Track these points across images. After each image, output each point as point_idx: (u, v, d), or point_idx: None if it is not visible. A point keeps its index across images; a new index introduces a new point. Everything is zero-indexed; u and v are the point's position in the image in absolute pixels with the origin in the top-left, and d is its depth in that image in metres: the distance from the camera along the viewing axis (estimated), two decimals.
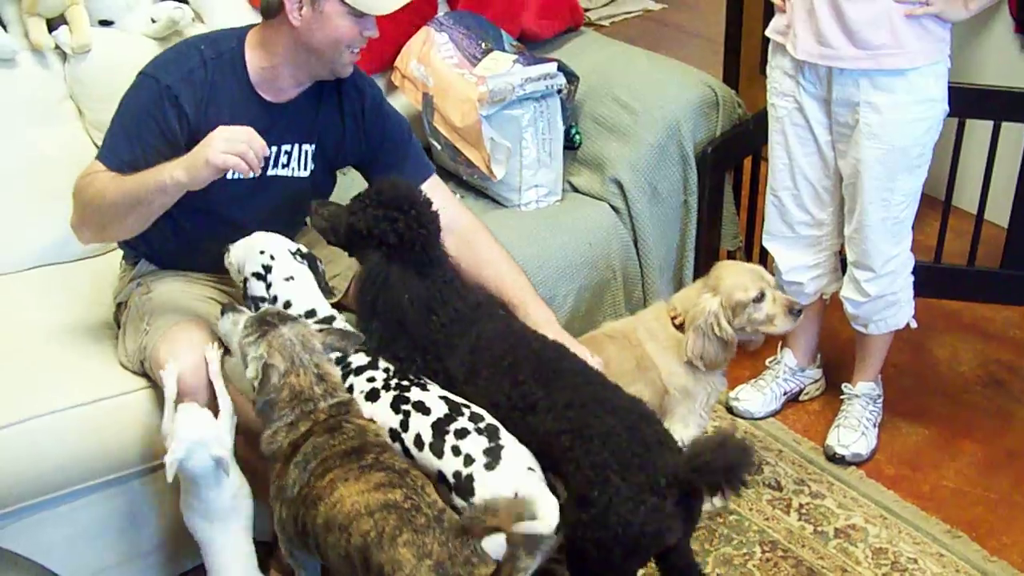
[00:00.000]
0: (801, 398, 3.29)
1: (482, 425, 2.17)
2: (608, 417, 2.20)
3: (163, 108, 2.40)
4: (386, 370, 2.31)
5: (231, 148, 2.24)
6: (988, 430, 3.19)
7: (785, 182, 2.96)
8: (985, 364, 3.46)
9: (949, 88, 2.82)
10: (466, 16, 3.34)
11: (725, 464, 2.07)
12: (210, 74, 2.42)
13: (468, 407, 2.21)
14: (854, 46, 2.66)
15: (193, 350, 2.41)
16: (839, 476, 3.00)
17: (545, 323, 2.54)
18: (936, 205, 3.50)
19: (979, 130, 3.32)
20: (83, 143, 3.02)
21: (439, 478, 2.14)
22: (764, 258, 3.32)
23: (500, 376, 2.32)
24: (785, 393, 3.24)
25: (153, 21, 3.02)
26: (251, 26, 2.53)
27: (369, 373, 2.31)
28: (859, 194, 2.81)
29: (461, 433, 2.15)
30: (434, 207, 2.45)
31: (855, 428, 3.08)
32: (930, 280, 3.35)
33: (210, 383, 2.41)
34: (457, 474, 2.11)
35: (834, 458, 3.06)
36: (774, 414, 3.24)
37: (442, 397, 2.24)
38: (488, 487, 2.09)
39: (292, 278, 2.41)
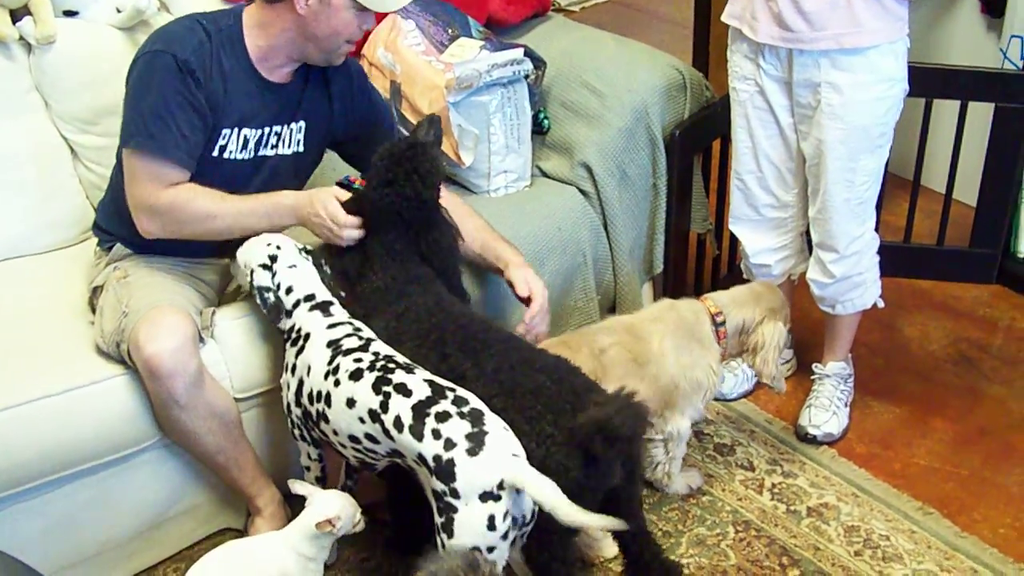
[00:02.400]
0: None
1: (465, 409, 2.16)
2: (536, 375, 2.27)
3: (187, 83, 2.44)
4: (375, 353, 2.32)
5: (335, 217, 2.49)
6: (958, 408, 3.21)
7: (749, 165, 2.97)
8: (955, 342, 3.49)
9: (916, 69, 2.83)
10: (432, 3, 3.33)
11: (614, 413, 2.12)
12: (215, 47, 2.47)
13: (453, 390, 2.20)
14: (813, 29, 2.66)
15: (173, 333, 2.41)
16: (811, 456, 3.02)
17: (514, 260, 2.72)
18: (905, 185, 3.52)
19: (946, 110, 3.34)
20: (49, 134, 3.01)
21: (419, 460, 2.14)
22: (733, 241, 3.34)
23: (427, 350, 2.38)
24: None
25: (118, 11, 3.00)
26: (244, 5, 2.56)
27: (357, 355, 2.32)
28: (822, 175, 2.82)
29: (442, 416, 2.14)
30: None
31: (826, 408, 3.09)
32: (900, 260, 3.38)
33: (189, 366, 2.42)
34: (437, 458, 2.10)
35: (806, 438, 3.07)
36: (747, 395, 3.26)
37: (427, 380, 2.23)
38: (471, 473, 2.08)
39: (295, 266, 2.49)
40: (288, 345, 2.47)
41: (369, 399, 2.23)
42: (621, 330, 2.74)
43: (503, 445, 2.11)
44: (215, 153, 2.54)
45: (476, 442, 2.09)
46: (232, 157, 2.57)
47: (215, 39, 2.48)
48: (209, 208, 2.50)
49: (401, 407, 2.18)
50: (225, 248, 2.71)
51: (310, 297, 2.47)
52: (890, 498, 2.87)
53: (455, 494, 2.08)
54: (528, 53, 3.15)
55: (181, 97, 2.44)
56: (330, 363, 2.33)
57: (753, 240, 3.08)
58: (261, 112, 2.57)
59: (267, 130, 2.60)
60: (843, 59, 2.68)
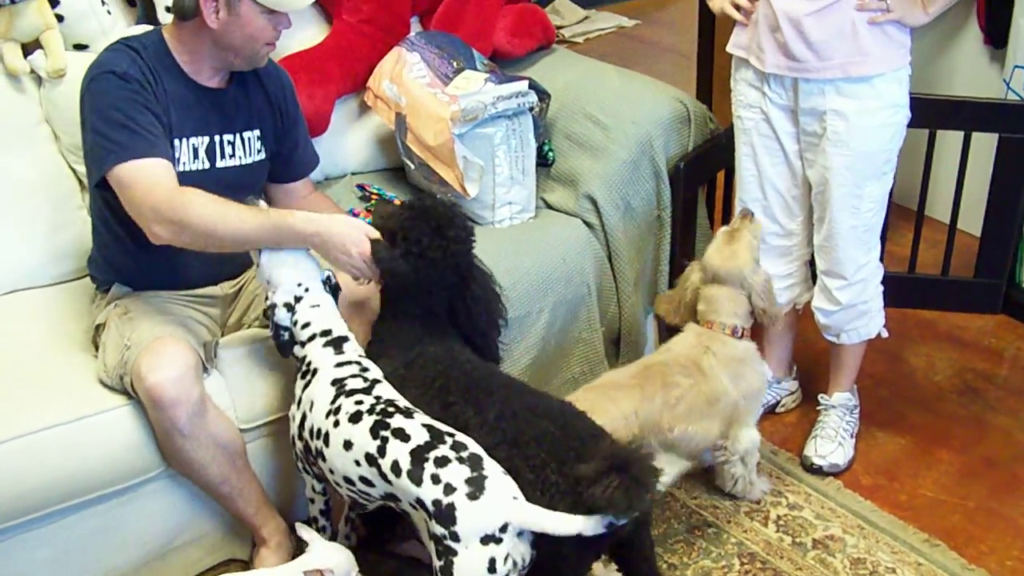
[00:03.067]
0: (778, 410, 3.31)
1: (464, 454, 2.14)
2: (540, 420, 2.25)
3: (134, 89, 2.46)
4: (377, 397, 2.31)
5: (353, 264, 2.47)
6: (964, 439, 3.20)
7: (754, 193, 2.99)
8: (960, 373, 3.48)
9: (920, 99, 2.85)
10: (438, 36, 3.36)
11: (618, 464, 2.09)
12: (148, 62, 2.50)
13: (452, 435, 2.19)
14: (820, 58, 2.69)
15: (175, 362, 2.42)
16: (816, 487, 3.02)
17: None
18: (909, 216, 3.52)
19: (950, 141, 3.35)
20: (59, 166, 3.03)
21: (417, 504, 2.13)
22: None
23: (431, 398, 2.37)
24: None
25: None
26: (158, 28, 2.62)
27: (359, 396, 2.31)
28: (828, 202, 2.83)
29: (441, 461, 2.12)
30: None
31: (832, 439, 3.09)
32: (905, 290, 3.38)
33: (191, 395, 2.42)
34: (437, 502, 2.09)
35: (811, 469, 3.07)
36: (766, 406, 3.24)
37: (425, 425, 2.22)
38: (471, 516, 2.07)
39: (318, 306, 2.47)
40: (299, 376, 2.47)
41: (366, 443, 2.22)
42: (692, 369, 2.75)
43: (503, 488, 2.10)
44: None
45: (476, 486, 2.08)
46: (187, 169, 2.57)
47: (144, 55, 2.51)
48: (211, 212, 2.41)
49: (399, 452, 2.17)
50: (220, 276, 2.72)
51: (326, 332, 2.45)
52: (896, 530, 2.86)
53: (455, 537, 2.07)
54: (532, 85, 3.17)
55: (134, 103, 2.45)
56: (332, 402, 2.33)
57: None
58: (205, 119, 2.59)
59: (217, 139, 2.62)
60: (848, 87, 2.71)
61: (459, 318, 2.56)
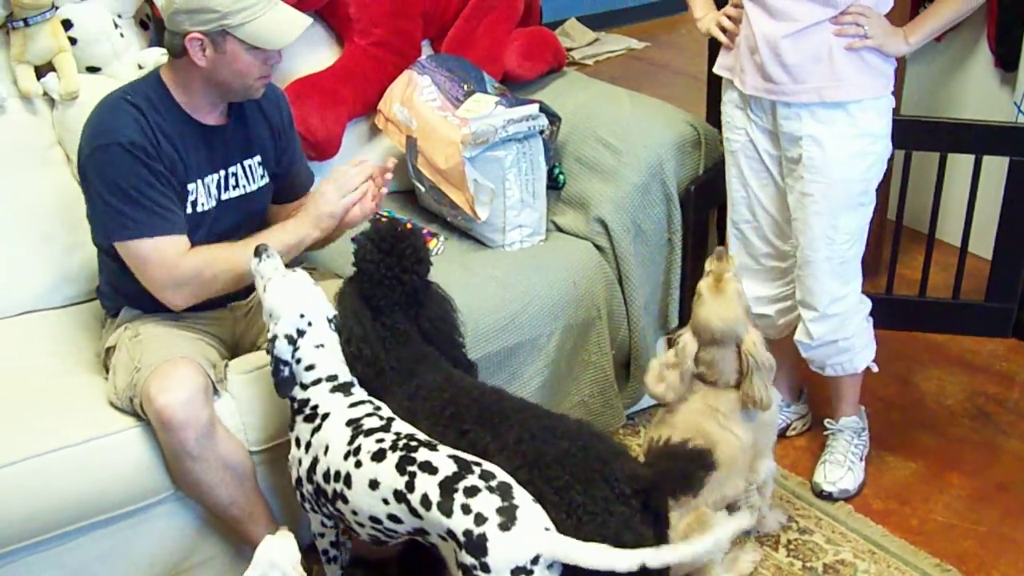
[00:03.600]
0: (788, 434, 3.29)
1: (494, 483, 2.11)
2: (560, 441, 2.23)
3: (143, 161, 2.47)
4: (396, 433, 2.28)
5: (345, 189, 2.62)
6: (976, 463, 3.19)
7: (745, 215, 2.98)
8: (972, 397, 3.47)
9: (931, 123, 2.85)
10: (448, 59, 3.37)
11: (681, 465, 2.12)
12: (149, 117, 2.50)
13: (479, 465, 2.16)
14: (795, 81, 2.68)
15: (184, 384, 2.42)
16: (827, 511, 3.00)
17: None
18: (920, 239, 3.53)
19: (961, 164, 3.35)
20: (71, 188, 3.03)
21: (447, 536, 2.09)
22: None
23: (443, 427, 2.35)
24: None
25: (140, 67, 3.05)
26: (158, 70, 2.62)
27: (379, 435, 2.27)
28: (804, 230, 2.81)
29: (471, 491, 2.08)
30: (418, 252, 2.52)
31: (841, 464, 3.07)
32: (915, 313, 3.38)
33: (200, 417, 2.42)
34: (468, 532, 2.04)
35: (821, 495, 3.05)
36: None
37: (452, 456, 2.18)
38: (503, 547, 2.03)
39: (322, 346, 2.43)
40: (300, 419, 2.42)
41: (393, 480, 2.18)
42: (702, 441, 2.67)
43: (535, 519, 2.07)
44: (189, 211, 2.58)
45: (508, 516, 2.05)
46: (203, 209, 2.61)
47: (146, 109, 2.50)
48: (225, 267, 2.54)
49: (428, 485, 2.13)
50: (230, 298, 2.75)
51: (332, 377, 2.41)
52: (907, 555, 2.85)
53: (485, 568, 2.03)
54: (543, 109, 3.18)
55: (144, 178, 2.46)
56: (350, 443, 2.28)
57: (753, 289, 3.04)
58: (213, 156, 2.61)
59: (223, 172, 2.65)
60: (824, 113, 2.68)
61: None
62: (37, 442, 2.43)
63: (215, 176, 2.63)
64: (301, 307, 2.42)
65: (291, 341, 2.40)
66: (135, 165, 2.45)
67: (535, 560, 2.03)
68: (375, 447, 2.25)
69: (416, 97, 3.21)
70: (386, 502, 2.19)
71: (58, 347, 2.83)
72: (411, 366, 2.48)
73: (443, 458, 2.17)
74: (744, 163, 2.91)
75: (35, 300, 2.98)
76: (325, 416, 2.37)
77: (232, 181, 2.67)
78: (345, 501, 2.28)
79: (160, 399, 2.39)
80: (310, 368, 2.40)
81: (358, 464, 2.25)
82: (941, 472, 3.16)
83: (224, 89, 2.56)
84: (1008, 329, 3.45)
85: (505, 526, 2.04)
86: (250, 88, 2.57)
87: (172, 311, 2.63)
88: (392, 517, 2.20)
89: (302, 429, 2.40)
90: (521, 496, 2.10)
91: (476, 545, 2.04)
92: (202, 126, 2.59)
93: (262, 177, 2.75)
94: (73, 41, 3.00)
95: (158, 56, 3.02)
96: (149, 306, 2.66)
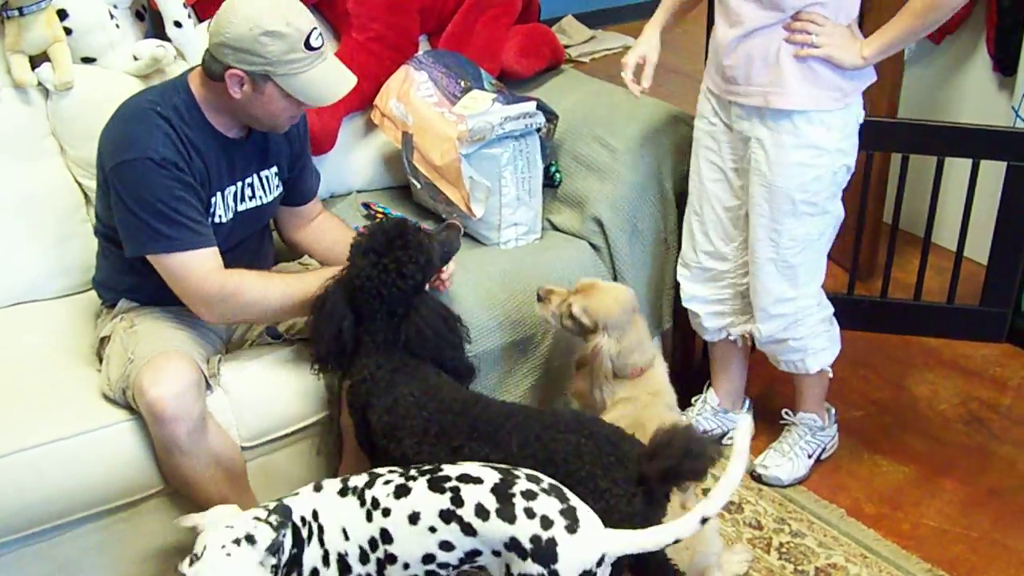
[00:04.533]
0: (724, 441, 3.19)
1: (546, 485, 2.05)
2: (568, 436, 2.23)
3: (174, 175, 2.43)
4: (398, 471, 2.16)
5: None
6: (969, 468, 3.19)
7: (695, 206, 2.98)
8: (965, 402, 3.47)
9: (928, 127, 2.83)
10: (446, 55, 3.36)
11: (688, 448, 2.12)
12: (178, 130, 2.46)
13: (519, 469, 2.10)
14: (747, 82, 2.67)
15: (177, 378, 2.41)
16: (819, 514, 3.00)
17: None
18: (916, 242, 3.52)
19: (958, 168, 3.34)
20: (65, 179, 3.03)
21: (510, 545, 2.00)
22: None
23: (430, 446, 2.33)
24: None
25: (135, 59, 3.03)
26: (186, 72, 2.59)
27: (386, 478, 2.14)
28: (750, 229, 2.82)
29: (529, 495, 2.01)
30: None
31: (784, 453, 3.10)
32: (910, 317, 3.37)
33: (192, 412, 2.41)
34: (536, 538, 1.97)
35: (753, 476, 3.09)
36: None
37: (484, 465, 2.10)
38: (573, 551, 1.97)
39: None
40: (303, 556, 2.11)
41: (435, 502, 2.05)
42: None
43: (593, 518, 2.03)
44: (210, 222, 2.57)
45: (571, 519, 1.99)
46: (221, 221, 2.59)
47: (175, 121, 2.46)
48: (257, 296, 2.53)
49: (479, 494, 2.03)
50: None
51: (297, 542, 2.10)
52: (899, 559, 2.85)
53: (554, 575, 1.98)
54: (540, 106, 3.17)
55: (175, 193, 2.43)
56: (363, 505, 2.12)
57: (688, 286, 3.07)
58: (232, 168, 2.59)
59: (240, 184, 2.62)
60: (770, 117, 2.68)
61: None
62: (27, 435, 2.42)
63: (232, 188, 2.61)
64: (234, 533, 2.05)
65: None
66: (166, 180, 2.42)
67: (600, 561, 1.99)
68: (391, 488, 2.11)
69: (413, 93, 3.20)
70: (433, 529, 2.06)
71: (50, 338, 2.82)
72: (390, 376, 2.46)
73: (476, 468, 2.10)
74: (701, 154, 2.92)
75: (27, 291, 2.97)
76: (316, 518, 2.14)
77: (248, 192, 2.65)
78: (393, 561, 2.10)
79: (152, 392, 2.38)
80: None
81: (386, 513, 2.09)
82: (934, 477, 3.16)
83: (251, 120, 2.54)
84: (1003, 334, 3.44)
85: (572, 528, 1.98)
86: (277, 126, 2.56)
87: (169, 304, 2.62)
88: (445, 545, 2.06)
89: (311, 558, 2.12)
90: (573, 497, 2.06)
91: (545, 551, 1.96)
92: (225, 138, 2.56)
93: (277, 187, 2.73)
94: (68, 31, 2.97)
95: (153, 49, 3.00)
96: (147, 299, 2.65)
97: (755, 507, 3.03)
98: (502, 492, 2.03)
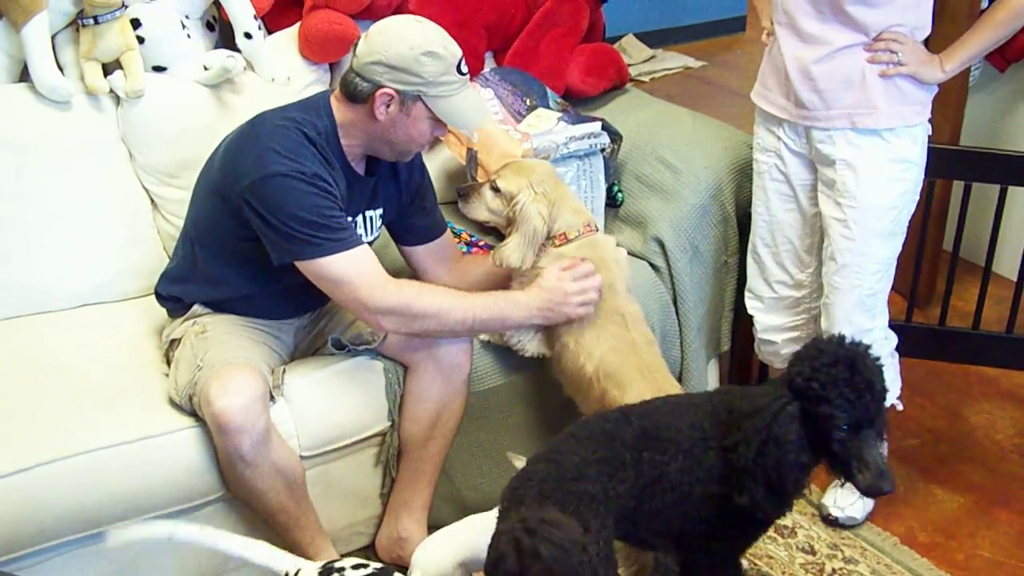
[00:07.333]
0: None
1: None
2: (580, 444, 2.13)
3: (325, 189, 2.45)
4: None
5: (586, 299, 2.60)
6: None
7: (765, 238, 2.97)
8: (1022, 432, 3.43)
9: (991, 155, 2.81)
10: (512, 72, 3.38)
11: None
12: (322, 153, 2.49)
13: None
14: (828, 107, 2.66)
15: (244, 390, 2.43)
16: (872, 542, 2.98)
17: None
18: (975, 271, 3.50)
19: (1020, 197, 3.33)
20: (133, 185, 3.08)
21: None
22: None
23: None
24: None
25: (206, 69, 3.07)
26: (326, 94, 2.59)
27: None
28: (835, 257, 2.78)
29: None
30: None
31: (853, 490, 3.05)
32: (968, 346, 3.35)
33: (257, 424, 2.43)
34: None
35: (827, 519, 3.04)
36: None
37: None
38: None
39: None
40: None
41: None
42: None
43: None
44: None
45: None
46: None
47: (319, 144, 2.49)
48: (438, 304, 2.51)
49: None
50: (302, 310, 2.75)
51: None
52: None
53: None
54: (605, 127, 3.18)
55: (326, 206, 2.44)
56: None
57: (763, 317, 3.05)
58: (351, 203, 2.60)
59: (353, 220, 2.63)
60: (857, 137, 2.66)
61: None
62: (91, 438, 2.45)
63: (350, 220, 2.61)
64: None
65: None
66: (318, 196, 2.43)
67: None
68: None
69: None
70: None
71: (116, 340, 2.86)
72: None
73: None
74: (770, 186, 2.90)
75: (92, 293, 3.02)
76: None
77: (360, 230, 2.67)
78: None
79: (219, 403, 2.40)
80: None
81: None
82: (989, 508, 3.13)
83: (386, 147, 2.56)
84: None
85: None
86: (408, 153, 2.61)
87: (243, 313, 2.65)
88: None
89: None
90: None
91: None
92: (353, 172, 2.60)
93: (379, 228, 2.76)
94: (141, 40, 3.02)
95: (223, 59, 3.04)
96: (220, 308, 2.69)
97: (808, 532, 3.02)
98: None
